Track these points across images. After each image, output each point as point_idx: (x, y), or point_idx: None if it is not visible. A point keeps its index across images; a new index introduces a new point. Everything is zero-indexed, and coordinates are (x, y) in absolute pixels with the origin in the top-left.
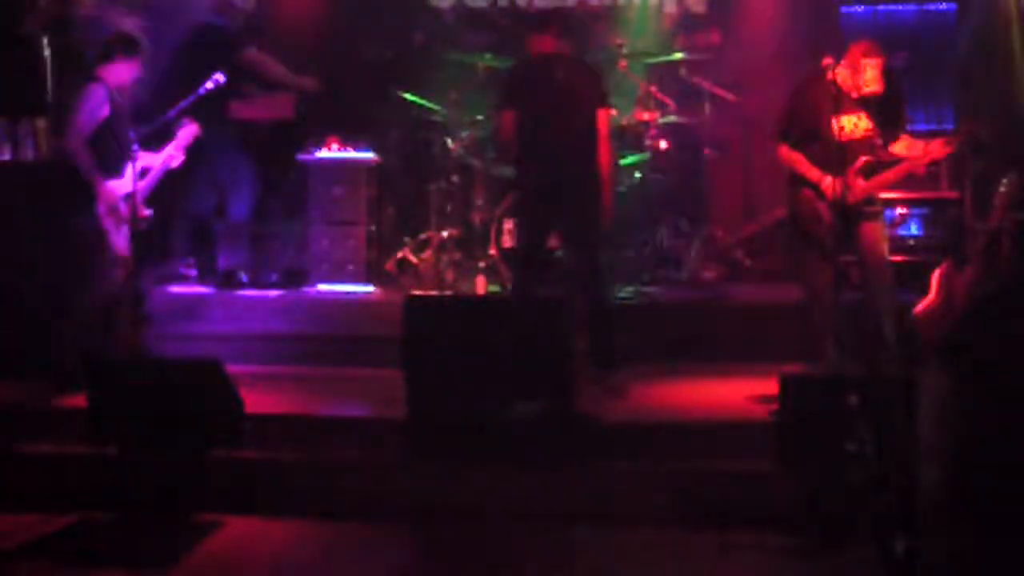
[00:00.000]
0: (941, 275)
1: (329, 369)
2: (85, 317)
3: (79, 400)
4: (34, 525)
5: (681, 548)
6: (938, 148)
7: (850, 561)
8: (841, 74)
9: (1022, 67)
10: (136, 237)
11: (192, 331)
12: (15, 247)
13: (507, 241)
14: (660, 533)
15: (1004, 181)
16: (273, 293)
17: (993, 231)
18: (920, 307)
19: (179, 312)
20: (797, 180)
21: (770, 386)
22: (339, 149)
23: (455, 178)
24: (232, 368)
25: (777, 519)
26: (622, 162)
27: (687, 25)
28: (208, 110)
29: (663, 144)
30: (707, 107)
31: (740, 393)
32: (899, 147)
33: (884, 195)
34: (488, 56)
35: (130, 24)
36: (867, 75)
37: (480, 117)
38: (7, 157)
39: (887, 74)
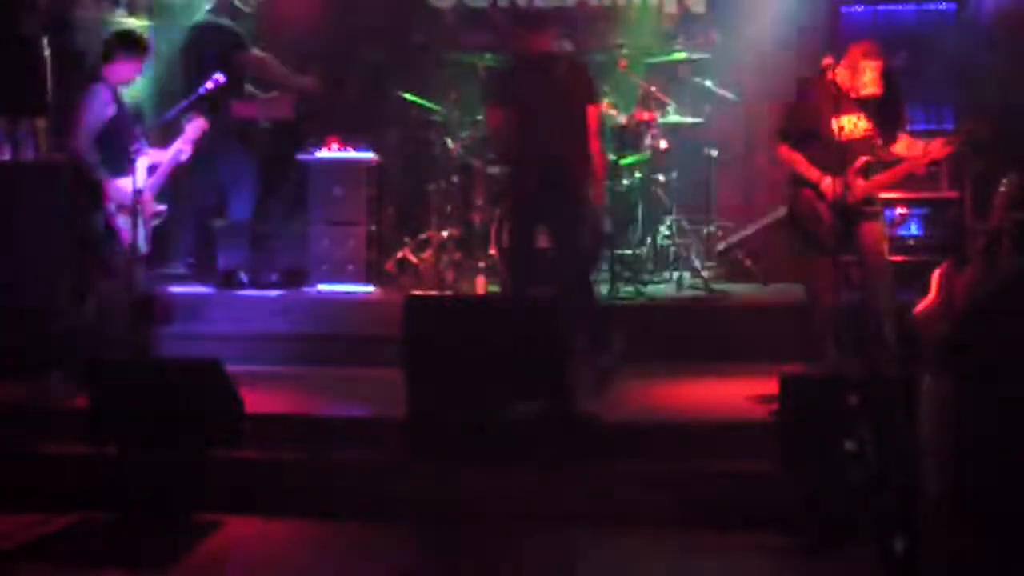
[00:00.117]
0: (941, 275)
1: (329, 369)
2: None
3: (79, 400)
4: (34, 525)
5: (681, 548)
6: (938, 148)
7: (850, 561)
8: (841, 74)
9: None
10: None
11: (192, 331)
12: (15, 247)
13: (507, 241)
14: (660, 533)
15: (1004, 181)
16: (273, 293)
17: (993, 231)
18: (920, 307)
19: (179, 312)
20: (797, 180)
21: (770, 386)
22: (339, 149)
23: (455, 178)
24: (232, 368)
25: (777, 519)
26: (622, 162)
27: (687, 25)
28: (208, 110)
29: (663, 144)
30: (707, 107)
31: (740, 393)
32: (899, 147)
33: (884, 195)
34: (488, 56)
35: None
36: (866, 77)
37: (480, 117)
38: (7, 157)
39: (886, 75)
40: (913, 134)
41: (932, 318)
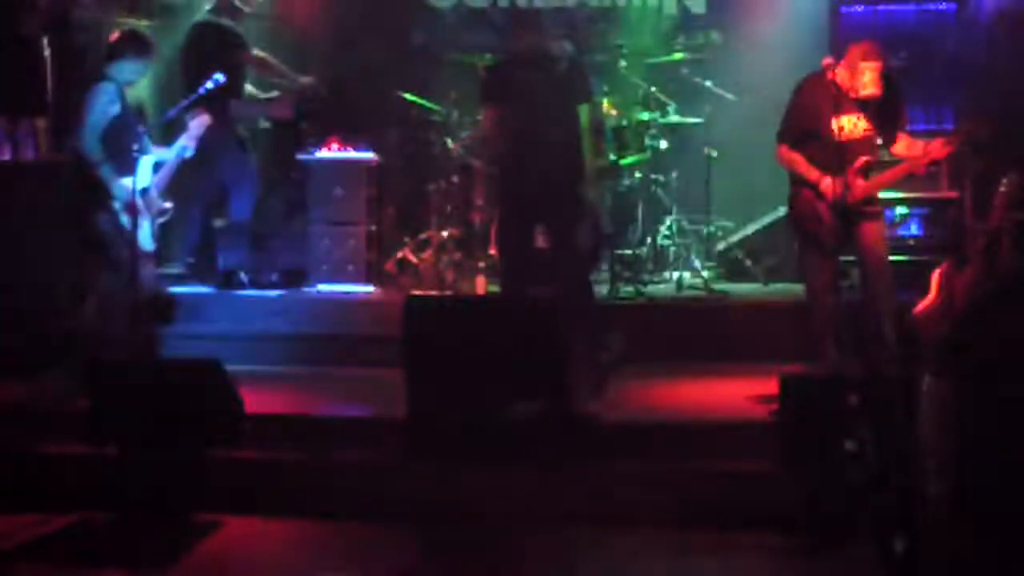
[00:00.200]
0: (941, 275)
1: (329, 369)
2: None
3: (79, 400)
4: (34, 525)
5: (681, 548)
6: (938, 148)
7: (850, 561)
8: (841, 74)
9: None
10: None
11: (192, 331)
12: (15, 247)
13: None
14: (660, 533)
15: (1004, 181)
16: (273, 293)
17: (993, 231)
18: (920, 307)
19: (179, 312)
20: (797, 180)
21: (770, 386)
22: (339, 149)
23: (455, 178)
24: (232, 368)
25: (777, 519)
26: (622, 162)
27: (687, 25)
28: (208, 110)
29: (663, 144)
30: (707, 107)
31: (740, 393)
32: (899, 147)
33: (884, 195)
34: (488, 56)
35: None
36: (865, 78)
37: (480, 117)
38: (7, 157)
39: (886, 75)
40: (913, 134)
41: (932, 318)
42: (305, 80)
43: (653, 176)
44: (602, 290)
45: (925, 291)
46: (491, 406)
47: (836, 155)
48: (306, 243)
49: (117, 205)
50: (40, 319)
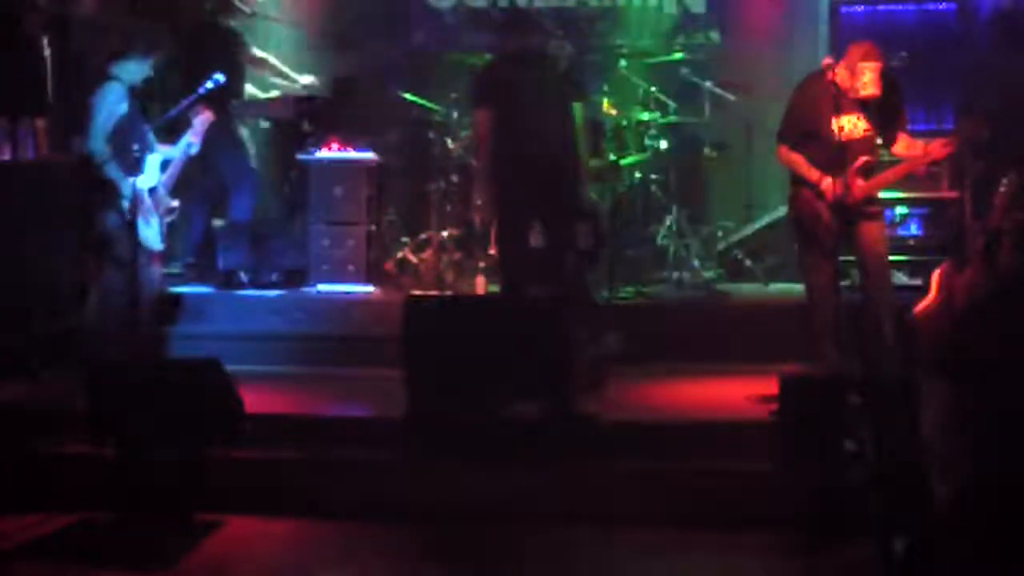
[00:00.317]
0: (941, 275)
1: (329, 369)
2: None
3: (79, 400)
4: (34, 525)
5: (681, 548)
6: (938, 148)
7: (850, 561)
8: (840, 74)
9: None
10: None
11: (192, 331)
12: (15, 247)
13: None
14: (660, 533)
15: (1004, 181)
16: (273, 293)
17: (993, 231)
18: (920, 307)
19: (179, 312)
20: (797, 180)
21: (770, 386)
22: (339, 149)
23: (455, 178)
24: (232, 368)
25: (777, 519)
26: (622, 162)
27: (687, 25)
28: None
29: (663, 144)
30: (707, 107)
31: (740, 393)
32: (899, 147)
33: (884, 195)
34: (488, 56)
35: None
36: (864, 78)
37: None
38: (7, 157)
39: (886, 76)
40: (913, 134)
41: (932, 318)
42: (305, 80)
43: (653, 176)
44: (602, 290)
45: (925, 291)
46: (491, 406)
47: (836, 155)
48: (306, 243)
49: (126, 204)
50: (40, 319)
